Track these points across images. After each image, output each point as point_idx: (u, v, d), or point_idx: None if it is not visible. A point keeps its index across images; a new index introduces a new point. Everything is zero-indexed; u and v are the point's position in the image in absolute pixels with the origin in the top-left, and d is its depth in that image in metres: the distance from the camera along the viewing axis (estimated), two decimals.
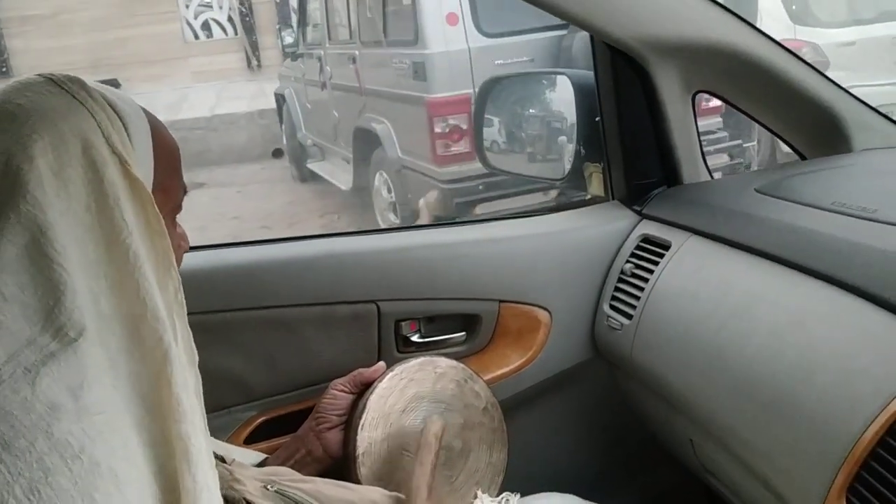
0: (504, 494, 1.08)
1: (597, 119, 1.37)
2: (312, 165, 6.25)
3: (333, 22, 5.50)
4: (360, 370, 1.07)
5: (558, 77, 1.68)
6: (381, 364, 1.08)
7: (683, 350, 1.07)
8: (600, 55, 1.31)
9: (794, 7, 4.64)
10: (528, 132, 1.81)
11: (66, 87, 0.66)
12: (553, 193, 4.21)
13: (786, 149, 1.35)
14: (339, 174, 5.53)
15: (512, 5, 4.38)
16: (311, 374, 1.21)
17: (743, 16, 1.22)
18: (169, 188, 0.74)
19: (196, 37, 10.53)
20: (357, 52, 4.98)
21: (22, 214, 0.59)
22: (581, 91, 1.43)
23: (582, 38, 4.00)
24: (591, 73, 1.36)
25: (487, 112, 1.80)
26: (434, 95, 4.08)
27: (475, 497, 1.07)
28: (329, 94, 5.60)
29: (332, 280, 1.21)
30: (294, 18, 6.44)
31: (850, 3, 4.97)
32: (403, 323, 1.25)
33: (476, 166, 4.06)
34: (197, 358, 0.70)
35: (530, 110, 1.81)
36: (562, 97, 1.54)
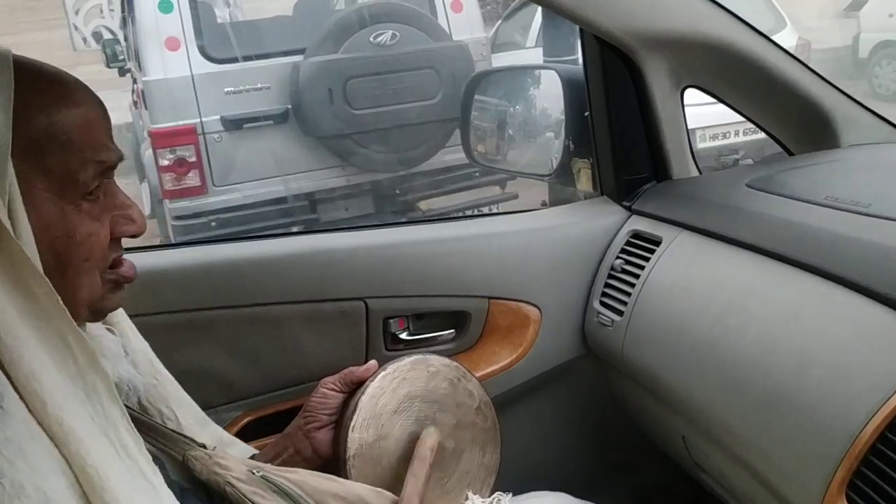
0: (496, 494, 1.06)
1: (585, 114, 1.36)
2: (141, 186, 5.63)
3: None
4: (352, 368, 1.04)
5: (547, 72, 1.67)
6: (373, 362, 1.05)
7: (675, 346, 1.06)
8: (589, 49, 1.29)
9: None
10: (516, 128, 1.80)
11: None
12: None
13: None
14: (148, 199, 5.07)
15: (243, 29, 4.08)
16: (298, 373, 1.19)
17: None
18: (57, 168, 0.63)
19: (86, 43, 10.15)
20: (137, 74, 4.56)
21: None
22: (570, 86, 1.42)
23: (310, 64, 3.73)
24: (579, 69, 1.35)
25: (474, 108, 1.79)
26: (156, 126, 3.73)
27: (466, 499, 1.05)
28: (140, 113, 5.14)
29: (319, 277, 1.19)
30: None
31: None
32: (392, 320, 1.24)
33: (209, 201, 3.81)
34: (100, 362, 0.60)
35: (517, 106, 1.80)
36: (550, 92, 1.53)
